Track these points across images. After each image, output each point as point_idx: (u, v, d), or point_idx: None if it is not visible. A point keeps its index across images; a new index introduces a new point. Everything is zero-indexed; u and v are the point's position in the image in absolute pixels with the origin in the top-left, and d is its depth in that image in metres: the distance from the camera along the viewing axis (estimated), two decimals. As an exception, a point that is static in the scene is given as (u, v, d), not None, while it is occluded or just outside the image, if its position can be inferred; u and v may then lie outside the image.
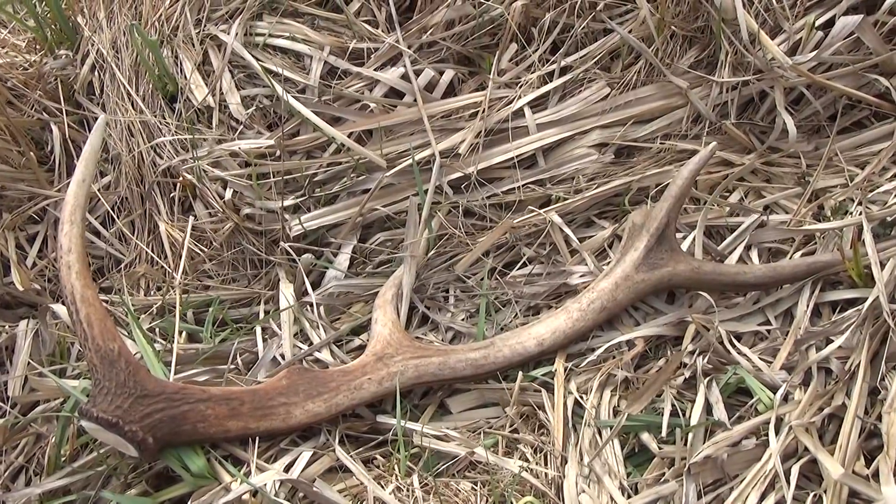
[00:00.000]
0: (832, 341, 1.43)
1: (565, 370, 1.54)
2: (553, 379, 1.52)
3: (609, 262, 1.71)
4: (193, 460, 1.37)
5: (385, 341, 1.55)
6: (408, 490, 1.36)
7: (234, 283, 1.91)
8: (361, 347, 1.67)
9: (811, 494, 1.25)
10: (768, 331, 1.56)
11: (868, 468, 1.26)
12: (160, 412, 1.33)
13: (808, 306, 1.54)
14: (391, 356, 1.52)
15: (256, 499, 1.32)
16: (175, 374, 1.52)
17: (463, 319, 1.73)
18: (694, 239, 1.70)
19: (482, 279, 1.77)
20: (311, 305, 1.74)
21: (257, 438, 1.40)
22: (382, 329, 1.59)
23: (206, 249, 1.91)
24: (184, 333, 1.73)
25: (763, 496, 1.26)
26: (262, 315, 1.79)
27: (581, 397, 1.48)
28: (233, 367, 1.60)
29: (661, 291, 1.66)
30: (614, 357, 1.56)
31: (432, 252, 1.82)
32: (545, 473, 1.38)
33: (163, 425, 1.33)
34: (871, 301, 1.41)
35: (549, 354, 1.56)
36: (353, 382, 1.47)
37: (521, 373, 1.52)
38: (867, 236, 1.51)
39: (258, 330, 1.69)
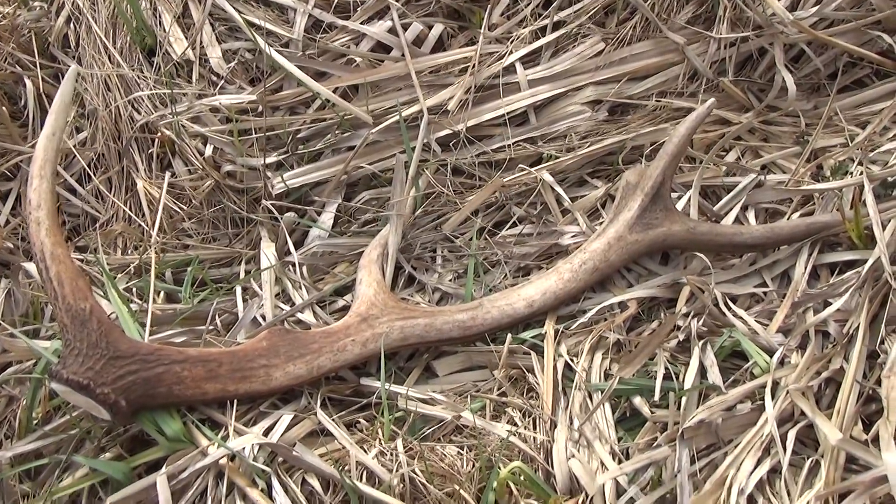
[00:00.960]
0: (830, 304, 1.40)
1: (556, 332, 1.50)
2: (543, 341, 1.48)
3: (602, 222, 1.66)
4: (169, 424, 1.32)
5: (370, 302, 1.51)
6: (391, 454, 1.32)
7: (215, 242, 1.85)
8: (345, 308, 1.62)
9: (808, 460, 1.22)
10: (765, 293, 1.52)
11: (866, 433, 1.23)
12: (133, 374, 1.28)
13: (805, 268, 1.51)
14: (376, 317, 1.47)
15: (234, 463, 1.29)
16: (151, 335, 1.48)
17: (450, 280, 1.69)
18: (689, 199, 1.66)
19: (471, 239, 1.72)
20: (294, 265, 1.70)
21: (236, 401, 1.36)
22: (367, 290, 1.54)
23: (185, 208, 1.86)
24: (162, 294, 1.68)
25: (758, 461, 1.22)
26: (242, 275, 1.74)
27: (571, 360, 1.44)
28: (211, 328, 1.55)
29: (655, 252, 1.62)
30: (606, 319, 1.51)
31: (419, 211, 1.77)
32: (534, 438, 1.35)
33: (136, 387, 1.28)
34: (872, 262, 1.37)
35: (539, 316, 1.52)
36: (337, 344, 1.43)
37: (509, 335, 1.48)
38: (868, 196, 1.47)
39: (238, 290, 1.64)
